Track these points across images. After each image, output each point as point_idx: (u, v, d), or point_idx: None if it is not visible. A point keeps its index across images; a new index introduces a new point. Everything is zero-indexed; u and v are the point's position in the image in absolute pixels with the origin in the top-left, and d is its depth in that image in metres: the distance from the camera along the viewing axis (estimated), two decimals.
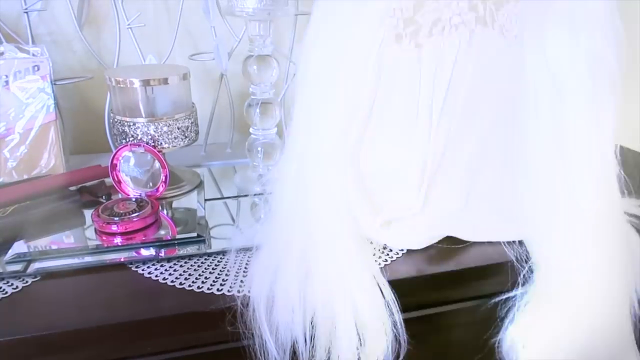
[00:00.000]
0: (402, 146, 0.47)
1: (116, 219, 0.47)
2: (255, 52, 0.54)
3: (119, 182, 0.53)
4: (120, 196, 0.53)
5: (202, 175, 0.61)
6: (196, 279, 0.41)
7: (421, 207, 0.46)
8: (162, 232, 0.48)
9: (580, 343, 0.40)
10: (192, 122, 0.57)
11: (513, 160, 0.45)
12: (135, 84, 0.53)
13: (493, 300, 0.42)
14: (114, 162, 0.53)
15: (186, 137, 0.56)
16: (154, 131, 0.54)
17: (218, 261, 0.44)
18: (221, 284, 0.40)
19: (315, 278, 0.39)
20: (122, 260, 0.43)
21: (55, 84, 0.59)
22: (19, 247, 0.45)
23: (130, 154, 0.53)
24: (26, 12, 0.60)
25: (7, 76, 0.56)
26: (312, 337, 0.37)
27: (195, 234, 0.47)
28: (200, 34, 0.72)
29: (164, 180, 0.52)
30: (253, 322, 0.36)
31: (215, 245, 0.46)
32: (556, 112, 0.43)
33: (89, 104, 0.69)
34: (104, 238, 0.46)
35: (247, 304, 0.37)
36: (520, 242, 0.45)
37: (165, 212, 0.53)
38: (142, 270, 0.42)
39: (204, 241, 0.46)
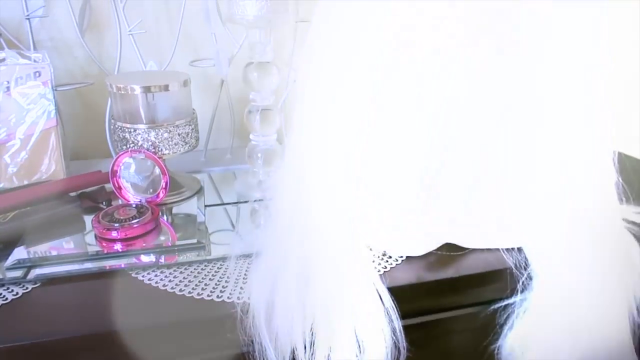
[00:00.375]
0: (401, 153, 0.47)
1: (116, 225, 0.47)
2: (255, 59, 0.55)
3: (120, 188, 0.53)
4: (120, 202, 0.53)
5: (202, 181, 0.61)
6: (196, 285, 0.41)
7: (420, 214, 0.46)
8: (162, 238, 0.48)
9: (579, 350, 0.40)
10: (192, 129, 0.57)
11: (512, 168, 0.46)
12: (136, 90, 0.53)
13: (492, 307, 0.42)
14: (115, 168, 0.53)
15: (187, 143, 0.56)
16: (155, 137, 0.54)
17: (218, 268, 0.44)
18: (221, 291, 0.40)
19: (314, 285, 0.39)
20: (122, 266, 0.44)
21: (56, 90, 0.59)
22: (20, 253, 0.45)
23: (131, 160, 0.53)
24: (28, 19, 0.60)
25: (8, 82, 0.56)
26: (312, 344, 0.37)
27: (195, 240, 0.47)
28: (200, 40, 0.72)
29: (164, 186, 0.53)
30: (253, 329, 0.37)
31: (215, 252, 0.46)
32: (554, 120, 0.43)
33: (89, 110, 0.69)
34: (104, 244, 0.46)
35: (247, 311, 0.37)
36: (519, 249, 0.45)
37: (165, 218, 0.53)
38: (142, 276, 0.42)
39: (203, 247, 0.46)
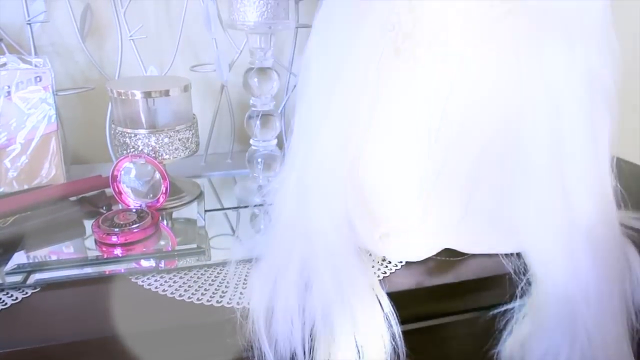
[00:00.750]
0: (401, 158, 0.47)
1: (116, 229, 0.47)
2: (256, 64, 0.55)
3: (120, 193, 0.53)
4: (120, 207, 0.53)
5: (202, 185, 0.61)
6: (196, 290, 0.41)
7: (420, 220, 0.47)
8: (162, 243, 0.48)
9: (578, 355, 0.40)
10: (192, 134, 0.57)
11: (511, 173, 0.46)
12: (136, 95, 0.53)
13: (491, 313, 0.42)
14: (115, 173, 0.53)
15: (187, 148, 0.57)
16: (155, 142, 0.54)
17: (218, 272, 0.44)
18: (221, 296, 0.40)
19: (314, 290, 0.39)
20: (122, 271, 0.44)
21: (57, 95, 0.59)
22: (19, 257, 0.45)
23: (131, 165, 0.53)
24: (29, 24, 0.61)
25: (9, 87, 0.57)
26: (311, 349, 0.37)
27: (195, 245, 0.47)
28: (201, 45, 0.72)
29: (164, 191, 0.53)
30: (252, 334, 0.37)
31: (215, 257, 0.46)
32: (553, 126, 0.43)
33: (90, 115, 0.69)
34: (104, 249, 0.47)
35: (247, 316, 0.37)
36: (518, 255, 0.45)
37: (165, 222, 0.53)
38: (142, 281, 0.42)
39: (203, 252, 0.46)
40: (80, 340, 0.36)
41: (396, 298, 0.40)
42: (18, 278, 0.42)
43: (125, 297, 0.41)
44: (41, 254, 0.46)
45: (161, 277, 0.43)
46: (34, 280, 0.42)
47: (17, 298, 0.40)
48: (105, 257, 0.46)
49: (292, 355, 0.37)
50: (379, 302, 0.39)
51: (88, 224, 0.51)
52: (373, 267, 0.44)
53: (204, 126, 0.65)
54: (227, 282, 0.42)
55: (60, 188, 0.55)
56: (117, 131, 0.55)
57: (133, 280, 0.43)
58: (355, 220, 0.45)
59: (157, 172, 0.53)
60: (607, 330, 0.40)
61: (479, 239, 0.47)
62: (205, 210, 0.56)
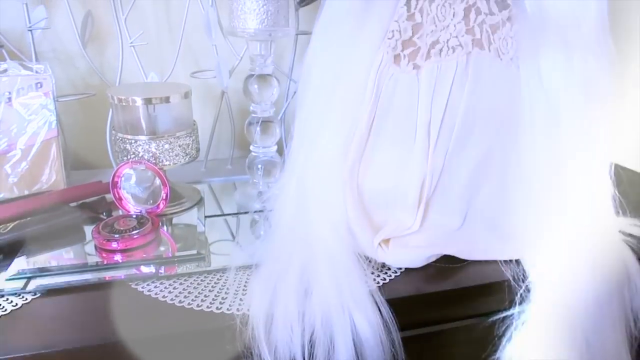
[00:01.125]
0: (400, 165, 0.47)
1: (116, 236, 0.47)
2: (256, 71, 0.55)
3: (120, 199, 0.53)
4: (120, 213, 0.53)
5: (202, 191, 0.62)
6: (196, 296, 0.41)
7: (419, 226, 0.47)
8: (162, 249, 0.48)
9: None
10: (193, 140, 0.57)
11: (509, 180, 0.46)
12: (137, 102, 0.53)
13: (490, 319, 0.42)
14: (115, 179, 0.53)
15: (187, 154, 0.57)
16: (156, 149, 0.54)
17: (218, 279, 0.44)
18: (221, 302, 0.40)
19: (314, 297, 0.39)
20: (122, 277, 0.44)
21: (57, 101, 0.60)
22: (20, 263, 0.45)
23: (132, 171, 0.53)
24: (30, 30, 0.61)
25: (10, 93, 0.57)
26: (311, 356, 0.37)
27: (195, 251, 0.47)
28: (201, 52, 0.73)
29: (164, 197, 0.53)
30: (252, 341, 0.37)
31: (215, 263, 0.46)
32: (551, 133, 0.43)
33: (91, 121, 0.70)
34: (104, 255, 0.47)
35: (247, 322, 0.37)
36: (517, 261, 0.45)
37: (165, 228, 0.53)
38: (142, 288, 0.42)
39: (203, 258, 0.46)
40: (80, 346, 0.36)
41: (395, 304, 0.40)
42: (18, 284, 0.42)
43: (125, 303, 0.41)
44: (41, 259, 0.46)
45: (161, 284, 0.43)
46: (34, 287, 0.42)
47: (17, 304, 0.40)
48: (105, 263, 0.46)
49: None
50: (379, 308, 0.39)
51: (88, 229, 0.51)
52: (372, 273, 0.45)
53: (204, 132, 0.65)
54: (227, 289, 0.42)
55: (60, 194, 0.55)
56: (117, 137, 0.55)
57: (133, 286, 0.43)
58: (354, 227, 0.45)
59: (157, 178, 0.53)
60: (605, 337, 0.41)
61: (478, 245, 0.47)
62: (205, 216, 0.56)
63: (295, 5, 0.63)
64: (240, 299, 0.41)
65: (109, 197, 0.55)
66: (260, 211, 0.56)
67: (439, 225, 0.47)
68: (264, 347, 0.37)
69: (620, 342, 0.41)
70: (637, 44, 0.88)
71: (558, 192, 0.43)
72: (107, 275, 0.44)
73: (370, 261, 0.46)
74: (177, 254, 0.47)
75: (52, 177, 0.59)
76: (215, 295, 0.41)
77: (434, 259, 0.46)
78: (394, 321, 0.39)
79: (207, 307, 0.40)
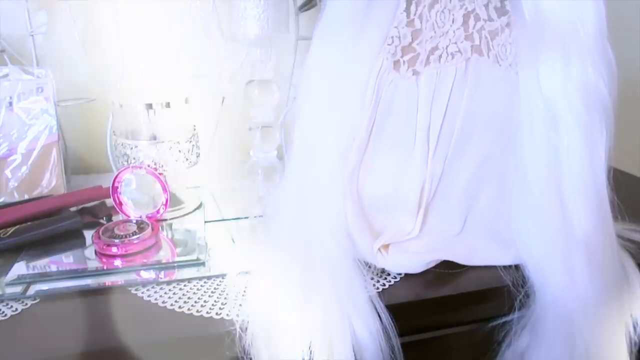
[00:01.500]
0: (399, 171, 0.47)
1: (116, 241, 0.47)
2: (256, 76, 0.55)
3: (120, 204, 0.54)
4: (121, 218, 0.53)
5: (202, 196, 0.62)
6: (195, 302, 0.41)
7: (418, 232, 0.47)
8: (162, 254, 0.48)
9: None
10: (193, 145, 0.58)
11: (509, 186, 0.46)
12: (137, 107, 0.54)
13: (490, 325, 0.42)
14: (115, 184, 0.53)
15: (187, 159, 0.57)
16: (156, 153, 0.54)
17: (217, 284, 0.44)
18: (220, 308, 0.40)
19: (313, 302, 0.39)
20: (121, 283, 0.44)
21: (58, 105, 0.60)
22: (19, 268, 0.45)
23: (132, 176, 0.54)
24: (32, 35, 0.61)
25: (11, 97, 0.57)
26: None
27: (194, 257, 0.47)
28: (202, 56, 0.73)
29: (164, 202, 0.53)
30: (251, 347, 0.37)
31: (215, 268, 0.46)
32: (550, 139, 0.43)
33: (91, 126, 0.70)
34: (104, 260, 0.47)
35: (246, 329, 0.37)
36: (517, 267, 0.45)
37: (165, 233, 0.53)
38: (142, 293, 0.42)
39: (203, 264, 0.46)
40: (80, 352, 0.36)
41: (395, 310, 0.40)
42: (18, 289, 0.42)
43: (125, 308, 0.41)
44: (41, 264, 0.46)
45: (161, 289, 0.43)
46: (34, 291, 0.42)
47: (16, 309, 0.40)
48: (105, 268, 0.46)
49: None
50: (378, 314, 0.39)
51: (88, 234, 0.51)
52: (372, 279, 0.45)
53: (204, 137, 0.65)
54: (227, 294, 0.42)
55: (60, 198, 0.55)
56: (118, 142, 0.55)
57: (133, 291, 0.43)
58: (354, 232, 0.45)
59: (157, 183, 0.53)
60: (605, 342, 0.41)
61: (477, 251, 0.47)
62: (205, 221, 0.56)
63: (296, 10, 0.63)
64: (240, 305, 0.41)
65: (109, 202, 0.55)
66: (260, 216, 0.56)
67: (438, 230, 0.47)
68: (263, 353, 0.37)
69: (620, 347, 0.41)
70: (636, 49, 0.88)
71: (557, 197, 0.43)
72: (107, 280, 0.44)
73: (369, 267, 0.46)
74: (176, 259, 0.48)
75: (52, 181, 0.59)
76: (215, 301, 0.41)
77: (433, 264, 0.46)
78: (393, 327, 0.39)
79: (207, 312, 0.40)
